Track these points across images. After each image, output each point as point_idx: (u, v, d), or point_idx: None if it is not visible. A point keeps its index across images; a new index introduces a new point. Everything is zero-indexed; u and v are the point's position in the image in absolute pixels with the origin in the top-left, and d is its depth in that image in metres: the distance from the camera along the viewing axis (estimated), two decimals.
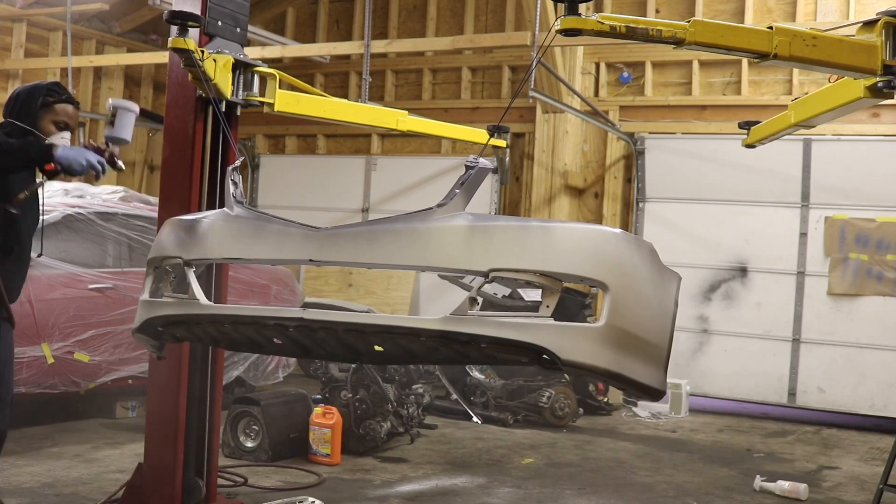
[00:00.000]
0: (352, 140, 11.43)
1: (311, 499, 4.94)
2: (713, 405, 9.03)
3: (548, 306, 3.03)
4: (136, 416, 6.98)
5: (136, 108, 3.97)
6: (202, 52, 4.11)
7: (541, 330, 2.97)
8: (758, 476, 5.87)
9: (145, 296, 3.71)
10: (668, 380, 3.80)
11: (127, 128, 3.88)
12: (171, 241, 3.71)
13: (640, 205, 9.49)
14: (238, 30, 4.51)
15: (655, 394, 3.26)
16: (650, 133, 9.61)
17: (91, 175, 3.65)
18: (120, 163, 3.83)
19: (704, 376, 9.02)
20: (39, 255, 4.24)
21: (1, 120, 3.72)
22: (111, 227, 6.60)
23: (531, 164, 10.01)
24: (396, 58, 11.04)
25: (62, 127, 3.88)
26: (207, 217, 3.73)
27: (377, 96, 10.75)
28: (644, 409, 8.47)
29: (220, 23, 4.39)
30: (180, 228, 3.74)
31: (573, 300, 8.15)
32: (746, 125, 5.79)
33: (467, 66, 10.84)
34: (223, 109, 4.36)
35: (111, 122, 3.91)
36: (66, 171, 3.58)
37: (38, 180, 3.80)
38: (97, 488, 5.10)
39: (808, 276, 8.68)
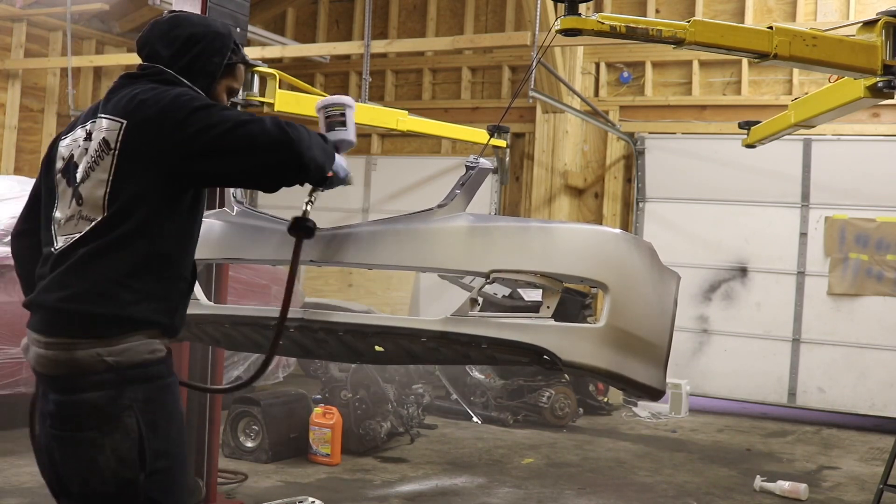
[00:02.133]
0: None
1: (311, 499, 4.94)
2: (713, 405, 9.03)
3: (548, 307, 3.04)
4: None
5: (353, 102, 3.20)
6: None
7: (541, 331, 2.97)
8: (758, 476, 5.87)
9: None
10: (668, 380, 3.80)
11: (353, 128, 2.98)
12: None
13: (640, 205, 9.49)
14: (238, 30, 4.51)
15: (655, 393, 3.27)
16: (650, 133, 9.61)
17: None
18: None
19: (704, 376, 9.02)
20: None
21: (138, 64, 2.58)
22: None
23: (531, 164, 10.01)
24: (396, 58, 11.04)
25: (230, 96, 2.75)
26: (207, 217, 3.73)
27: (377, 96, 10.75)
28: (644, 409, 8.47)
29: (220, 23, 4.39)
30: None
31: (573, 300, 8.14)
32: (746, 125, 5.79)
33: (467, 66, 10.84)
34: None
35: (342, 124, 2.94)
36: (333, 182, 2.74)
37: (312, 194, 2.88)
38: None
39: (808, 276, 8.68)
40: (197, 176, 2.33)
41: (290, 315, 3.34)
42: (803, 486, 5.67)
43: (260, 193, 11.50)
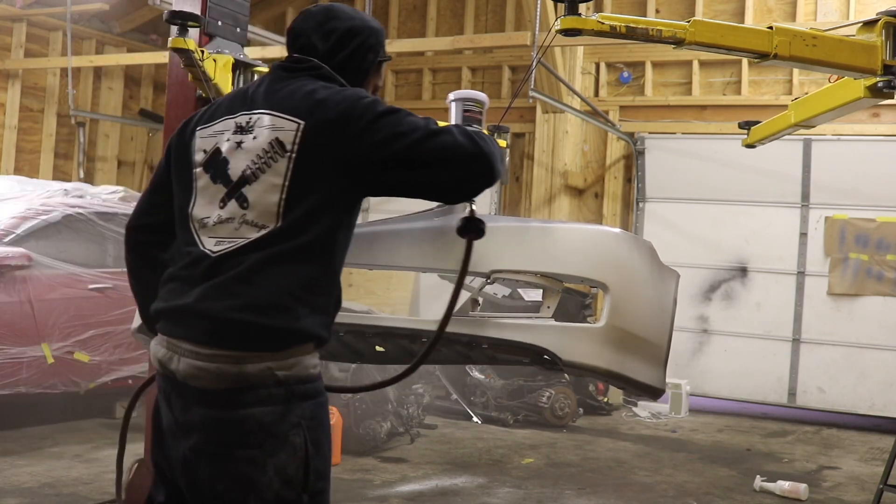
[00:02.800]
0: None
1: None
2: (713, 405, 9.03)
3: (549, 307, 3.04)
4: (137, 415, 6.96)
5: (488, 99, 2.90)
6: (202, 51, 4.11)
7: (542, 331, 2.98)
8: (758, 476, 5.87)
9: None
10: (668, 380, 3.81)
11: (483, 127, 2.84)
12: None
13: (640, 205, 9.49)
14: (238, 30, 4.51)
15: (655, 392, 3.28)
16: (650, 133, 9.60)
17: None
18: None
19: (704, 376, 9.02)
20: None
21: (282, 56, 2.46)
22: (111, 226, 6.60)
23: (531, 164, 10.01)
24: (396, 58, 11.01)
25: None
26: None
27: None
28: (644, 409, 8.47)
29: (220, 23, 4.39)
30: None
31: (573, 300, 8.14)
32: (746, 125, 5.79)
33: (467, 66, 10.84)
34: None
35: (479, 122, 2.55)
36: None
37: None
38: (97, 488, 5.10)
39: (808, 276, 8.68)
40: (380, 186, 2.17)
41: None
42: (803, 486, 5.67)
43: None
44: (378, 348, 3.31)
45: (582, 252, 3.07)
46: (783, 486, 5.68)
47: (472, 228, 2.43)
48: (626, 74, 9.94)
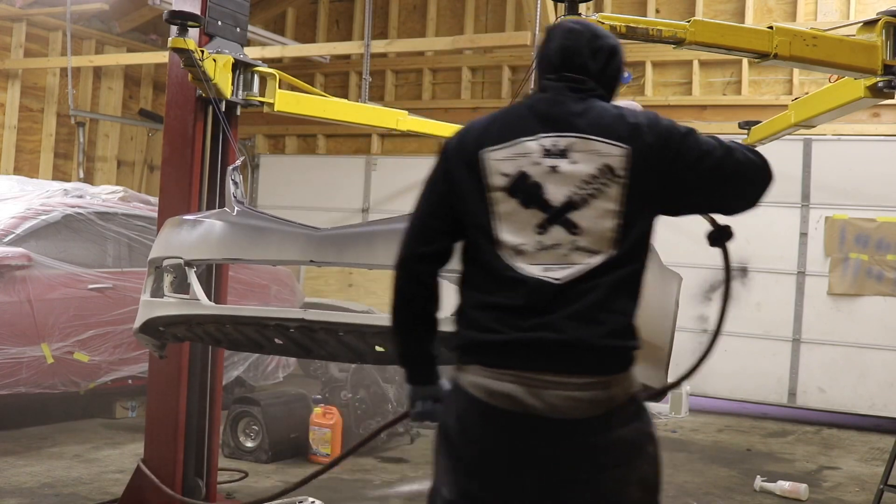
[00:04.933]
0: (352, 140, 11.42)
1: (311, 499, 4.93)
2: (713, 405, 9.02)
3: None
4: (136, 416, 6.98)
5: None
6: (202, 51, 4.11)
7: None
8: (758, 476, 5.87)
9: (146, 296, 3.72)
10: (669, 380, 3.79)
11: None
12: (172, 241, 3.72)
13: None
14: (238, 30, 4.51)
15: (657, 394, 3.26)
16: None
17: None
18: None
19: (704, 376, 8.99)
20: None
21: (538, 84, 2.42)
22: (111, 227, 6.60)
23: None
24: (396, 58, 11.04)
25: None
26: (208, 217, 3.74)
27: (377, 96, 10.74)
28: None
29: (220, 23, 4.39)
30: (181, 228, 3.74)
31: None
32: (746, 125, 5.79)
33: (467, 66, 10.84)
34: (223, 109, 4.36)
35: None
36: None
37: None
38: (97, 488, 5.10)
39: (809, 276, 8.68)
40: (682, 206, 2.30)
41: (291, 315, 3.35)
42: (803, 486, 5.66)
43: (260, 194, 11.51)
44: (378, 348, 3.30)
45: None
46: (783, 486, 5.68)
47: (725, 235, 2.66)
48: (626, 74, 9.88)
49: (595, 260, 2.12)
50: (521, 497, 2.16)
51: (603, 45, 2.30)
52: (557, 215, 2.13)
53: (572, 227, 2.12)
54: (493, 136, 2.21)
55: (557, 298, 2.10)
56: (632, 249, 2.18)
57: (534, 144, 2.17)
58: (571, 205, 2.13)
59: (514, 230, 2.14)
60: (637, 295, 2.21)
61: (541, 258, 2.13)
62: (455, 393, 2.22)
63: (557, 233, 2.13)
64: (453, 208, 2.23)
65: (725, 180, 2.23)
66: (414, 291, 2.28)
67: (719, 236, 2.67)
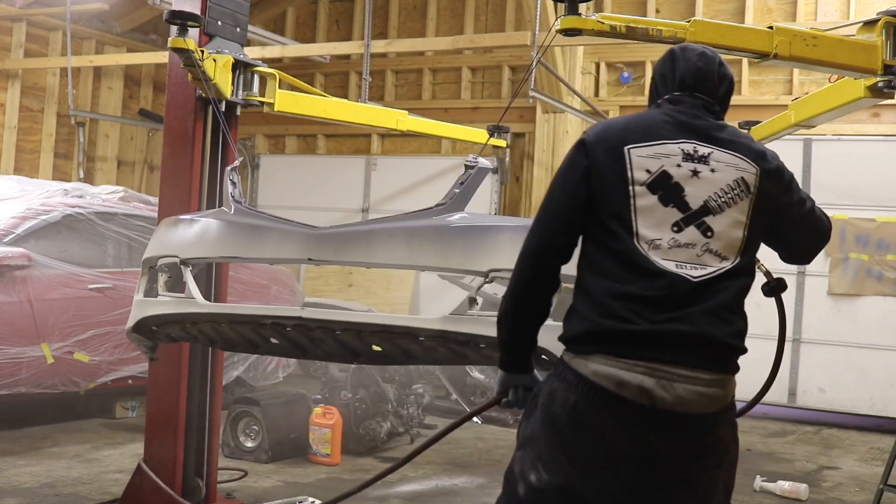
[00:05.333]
0: (352, 140, 11.42)
1: (311, 499, 4.94)
2: None
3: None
4: (136, 416, 6.98)
5: None
6: (202, 51, 4.11)
7: (541, 330, 2.97)
8: (758, 476, 5.86)
9: (139, 295, 3.70)
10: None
11: None
12: (167, 240, 3.71)
13: None
14: (238, 30, 4.51)
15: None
16: None
17: None
18: None
19: None
20: None
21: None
22: (111, 226, 6.60)
23: (531, 164, 10.01)
24: (396, 58, 11.03)
25: None
26: (205, 216, 3.73)
27: (377, 96, 10.74)
28: None
29: (220, 23, 4.39)
30: (176, 228, 3.73)
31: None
32: (746, 125, 5.78)
33: (467, 66, 10.84)
34: (223, 109, 4.36)
35: None
36: None
37: None
38: (97, 488, 5.10)
39: (809, 276, 8.67)
40: (773, 239, 2.47)
41: (287, 314, 3.35)
42: (803, 486, 5.66)
43: (260, 194, 11.51)
44: (375, 347, 3.30)
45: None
46: (783, 486, 5.67)
47: (780, 287, 2.88)
48: (626, 74, 9.94)
49: (724, 265, 2.25)
50: (620, 491, 2.19)
51: (726, 72, 2.48)
52: (694, 217, 2.25)
53: (707, 231, 2.25)
54: (635, 135, 2.31)
55: (693, 295, 2.21)
56: (749, 262, 2.33)
57: (675, 147, 2.29)
58: (708, 209, 2.26)
59: (651, 225, 2.24)
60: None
61: (674, 255, 2.22)
62: (567, 381, 2.24)
63: (692, 233, 2.24)
64: (589, 199, 2.29)
65: (806, 230, 2.47)
66: (539, 281, 2.34)
67: (776, 288, 2.88)
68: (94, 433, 6.51)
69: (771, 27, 3.58)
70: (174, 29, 3.96)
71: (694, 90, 2.41)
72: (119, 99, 11.33)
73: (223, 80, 4.26)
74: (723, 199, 2.27)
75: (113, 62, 10.93)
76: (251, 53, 5.62)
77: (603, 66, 10.04)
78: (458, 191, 3.25)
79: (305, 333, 3.31)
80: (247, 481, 5.40)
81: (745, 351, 2.29)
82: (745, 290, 2.31)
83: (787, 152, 8.49)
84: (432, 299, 9.80)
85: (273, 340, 3.48)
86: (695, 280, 2.21)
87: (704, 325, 2.19)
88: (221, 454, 5.42)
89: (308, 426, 6.02)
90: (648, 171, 2.26)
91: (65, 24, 9.72)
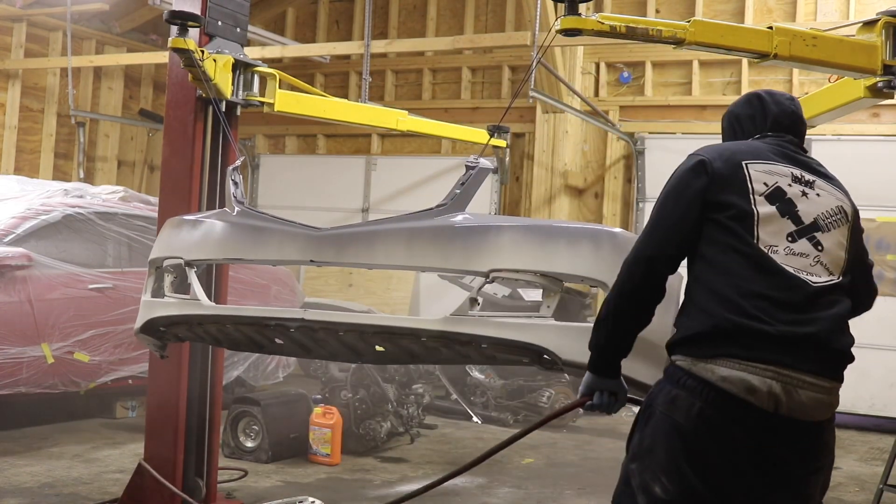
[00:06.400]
0: (352, 140, 11.42)
1: (311, 499, 4.94)
2: None
3: (548, 307, 3.03)
4: (136, 416, 6.98)
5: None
6: (202, 52, 4.11)
7: (541, 330, 2.97)
8: None
9: (147, 296, 3.72)
10: None
11: None
12: (172, 241, 3.72)
13: (640, 205, 9.48)
14: (238, 30, 4.51)
15: None
16: (650, 133, 9.60)
17: None
18: None
19: None
20: None
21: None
22: (111, 226, 6.60)
23: (531, 164, 10.01)
24: (396, 58, 11.04)
25: None
26: (208, 217, 3.74)
27: (377, 96, 10.75)
28: None
29: (220, 23, 4.40)
30: (181, 229, 3.74)
31: (573, 300, 8.14)
32: None
33: (467, 66, 10.84)
34: (223, 109, 4.36)
35: None
36: None
37: None
38: (97, 488, 5.10)
39: None
40: None
41: (291, 315, 3.35)
42: None
43: (260, 194, 11.51)
44: (377, 348, 3.30)
45: (581, 251, 3.06)
46: None
47: None
48: (626, 74, 9.94)
49: (833, 279, 2.36)
50: (743, 497, 2.25)
51: (804, 118, 2.66)
52: (806, 230, 2.36)
53: (818, 245, 2.36)
54: (748, 155, 2.44)
55: (812, 300, 2.28)
56: (851, 284, 2.44)
57: (785, 169, 2.43)
58: (818, 226, 2.38)
59: (769, 232, 2.33)
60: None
61: (791, 261, 2.32)
62: (689, 388, 2.26)
63: (805, 245, 2.35)
64: (706, 209, 2.37)
65: (861, 284, 2.60)
66: (647, 289, 2.41)
67: None
68: (94, 433, 6.51)
69: (771, 27, 3.58)
70: (174, 29, 3.96)
71: (788, 131, 2.58)
72: (119, 99, 11.33)
73: (223, 80, 4.26)
74: (829, 220, 2.40)
75: (113, 62, 10.93)
76: (251, 53, 5.63)
77: (603, 66, 10.04)
78: (458, 191, 3.25)
79: (309, 334, 3.32)
80: (247, 481, 5.40)
81: (853, 360, 2.35)
82: (847, 308, 2.40)
83: None
84: (432, 299, 9.80)
85: (278, 341, 3.49)
86: (814, 285, 2.29)
87: (828, 332, 2.27)
88: (221, 454, 5.42)
89: (308, 426, 6.02)
90: (765, 184, 2.38)
91: (65, 24, 9.72)
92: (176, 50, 3.99)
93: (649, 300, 2.42)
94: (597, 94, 10.03)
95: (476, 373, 7.92)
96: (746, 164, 2.40)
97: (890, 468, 4.90)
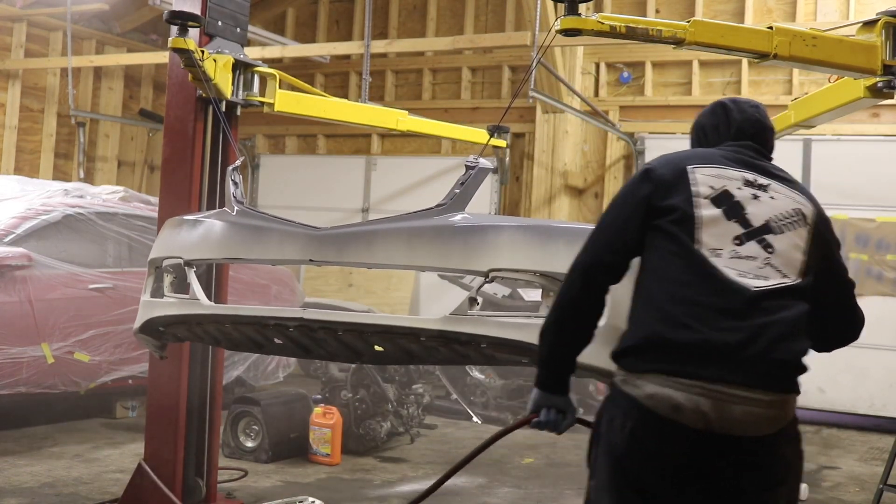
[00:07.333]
0: (352, 140, 11.42)
1: (311, 499, 4.94)
2: None
3: (548, 307, 3.03)
4: (136, 416, 6.98)
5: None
6: (202, 52, 4.11)
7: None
8: None
9: (146, 296, 3.72)
10: None
11: None
12: (172, 241, 3.72)
13: None
14: (238, 30, 4.51)
15: None
16: (650, 133, 9.60)
17: None
18: None
19: None
20: None
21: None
22: (111, 226, 6.60)
23: (531, 164, 10.01)
24: (396, 58, 11.04)
25: None
26: (208, 217, 3.74)
27: (377, 96, 10.74)
28: None
29: (220, 23, 4.40)
30: (181, 228, 3.74)
31: None
32: None
33: (467, 66, 10.84)
34: (223, 109, 4.36)
35: None
36: None
37: None
38: (97, 488, 5.10)
39: None
40: (813, 314, 2.37)
41: (290, 315, 3.36)
42: (803, 485, 5.66)
43: (260, 194, 11.51)
44: (377, 347, 3.30)
45: None
46: None
47: None
48: (626, 74, 9.94)
49: (785, 280, 2.24)
50: None
51: (771, 126, 2.63)
52: (755, 233, 2.27)
53: (767, 247, 2.26)
54: (697, 160, 2.40)
55: (754, 306, 2.17)
56: (809, 288, 2.30)
57: (736, 173, 2.36)
58: (769, 228, 2.29)
59: (713, 235, 2.25)
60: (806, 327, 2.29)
61: (735, 264, 2.22)
62: (620, 407, 2.20)
63: (753, 247, 2.26)
64: (649, 216, 2.31)
65: (837, 302, 2.47)
66: (586, 299, 2.34)
67: None
68: (94, 433, 6.51)
69: (770, 27, 3.58)
70: (174, 29, 3.96)
71: (752, 139, 2.52)
72: (119, 99, 11.33)
73: (223, 80, 4.26)
74: (783, 222, 2.31)
75: (113, 62, 10.93)
76: (251, 53, 5.63)
77: (603, 66, 10.04)
78: (458, 191, 3.26)
79: (308, 334, 3.32)
80: (247, 481, 5.40)
81: (805, 370, 2.20)
82: (807, 313, 2.27)
83: (787, 152, 8.54)
84: (432, 299, 9.80)
85: (277, 341, 3.49)
86: (755, 289, 2.18)
87: (768, 340, 2.13)
88: (221, 454, 5.42)
89: (308, 426, 6.03)
90: (712, 187, 2.31)
91: (65, 24, 9.72)
92: (176, 50, 3.99)
93: (588, 311, 2.34)
94: (597, 94, 10.02)
95: (476, 373, 7.92)
96: (693, 168, 2.35)
97: (890, 468, 4.90)
